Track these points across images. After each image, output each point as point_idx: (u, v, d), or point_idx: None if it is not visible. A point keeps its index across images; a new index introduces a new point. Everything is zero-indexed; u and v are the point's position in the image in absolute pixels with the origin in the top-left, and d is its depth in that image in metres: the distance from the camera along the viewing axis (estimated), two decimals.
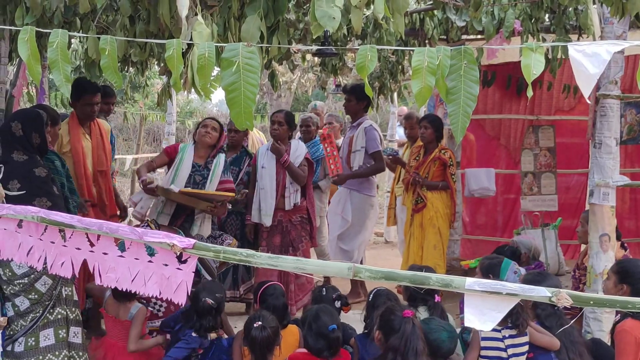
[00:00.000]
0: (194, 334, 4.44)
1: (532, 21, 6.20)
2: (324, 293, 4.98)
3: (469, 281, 2.28)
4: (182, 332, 4.49)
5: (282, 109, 7.38)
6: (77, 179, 5.71)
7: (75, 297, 4.56)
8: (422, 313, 4.59)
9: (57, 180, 4.84)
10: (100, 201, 5.97)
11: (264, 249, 6.53)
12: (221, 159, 6.15)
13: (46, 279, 4.29)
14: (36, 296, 4.27)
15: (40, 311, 4.30)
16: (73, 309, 4.49)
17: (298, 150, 6.61)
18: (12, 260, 3.94)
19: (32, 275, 4.24)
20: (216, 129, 6.08)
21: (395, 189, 8.30)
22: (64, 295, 4.43)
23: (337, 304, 4.91)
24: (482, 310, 2.26)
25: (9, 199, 3.75)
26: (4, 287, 4.23)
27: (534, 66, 2.49)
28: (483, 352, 4.10)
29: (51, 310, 4.35)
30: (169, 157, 6.09)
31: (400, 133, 11.88)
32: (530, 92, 2.59)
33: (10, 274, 4.21)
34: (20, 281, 4.23)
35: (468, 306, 2.28)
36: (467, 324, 2.31)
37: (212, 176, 5.98)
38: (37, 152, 4.60)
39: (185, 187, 5.83)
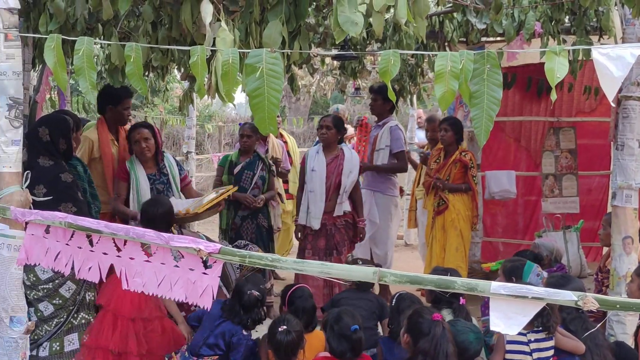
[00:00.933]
0: (244, 332, 4.46)
1: (553, 23, 6.16)
2: (359, 264, 5.21)
3: (494, 285, 2.27)
4: (220, 327, 4.47)
5: (329, 114, 7.42)
6: (110, 183, 5.83)
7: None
8: (446, 315, 4.58)
9: (80, 186, 4.87)
10: None
11: (309, 251, 6.54)
12: (169, 158, 6.07)
13: (70, 284, 4.31)
14: (60, 301, 4.28)
15: (65, 316, 4.32)
16: (95, 314, 4.52)
17: (353, 159, 6.62)
18: (37, 265, 3.96)
19: (57, 281, 4.25)
20: (149, 138, 5.84)
21: (416, 191, 8.30)
22: (87, 300, 4.45)
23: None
24: (508, 314, 2.25)
25: (35, 204, 3.76)
26: (27, 292, 4.16)
27: (557, 70, 2.49)
28: (508, 356, 4.08)
29: (75, 315, 4.37)
30: (126, 180, 5.85)
31: (419, 136, 11.86)
32: (554, 96, 2.59)
33: (34, 279, 4.21)
34: (45, 286, 4.23)
35: (493, 310, 2.27)
36: (492, 328, 2.31)
37: (174, 180, 5.93)
38: (63, 157, 4.62)
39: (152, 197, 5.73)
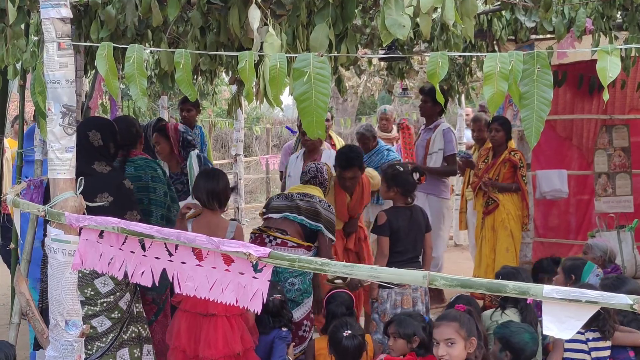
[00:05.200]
0: (284, 329, 4.53)
1: (604, 19, 6.04)
2: (400, 169, 5.44)
3: (547, 289, 2.23)
4: (258, 339, 4.51)
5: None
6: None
7: (144, 314, 4.41)
8: (512, 315, 4.53)
9: (159, 189, 4.81)
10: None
11: None
12: (192, 156, 6.06)
13: (128, 296, 4.14)
14: (119, 315, 4.07)
15: (118, 330, 4.09)
16: (145, 326, 4.34)
17: (330, 161, 6.45)
18: (97, 277, 3.87)
19: (118, 293, 4.07)
20: (157, 142, 5.99)
21: (466, 192, 8.25)
22: (135, 313, 4.26)
23: (416, 176, 5.47)
24: (561, 318, 2.21)
25: (99, 212, 3.27)
26: None
27: (609, 69, 2.44)
28: (567, 354, 4.08)
29: (125, 329, 4.14)
30: None
31: (468, 135, 11.77)
32: (606, 96, 2.53)
33: (92, 292, 3.99)
34: (105, 300, 4.02)
35: (546, 314, 2.23)
36: (545, 332, 2.27)
37: (192, 179, 5.88)
38: (112, 161, 4.44)
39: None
